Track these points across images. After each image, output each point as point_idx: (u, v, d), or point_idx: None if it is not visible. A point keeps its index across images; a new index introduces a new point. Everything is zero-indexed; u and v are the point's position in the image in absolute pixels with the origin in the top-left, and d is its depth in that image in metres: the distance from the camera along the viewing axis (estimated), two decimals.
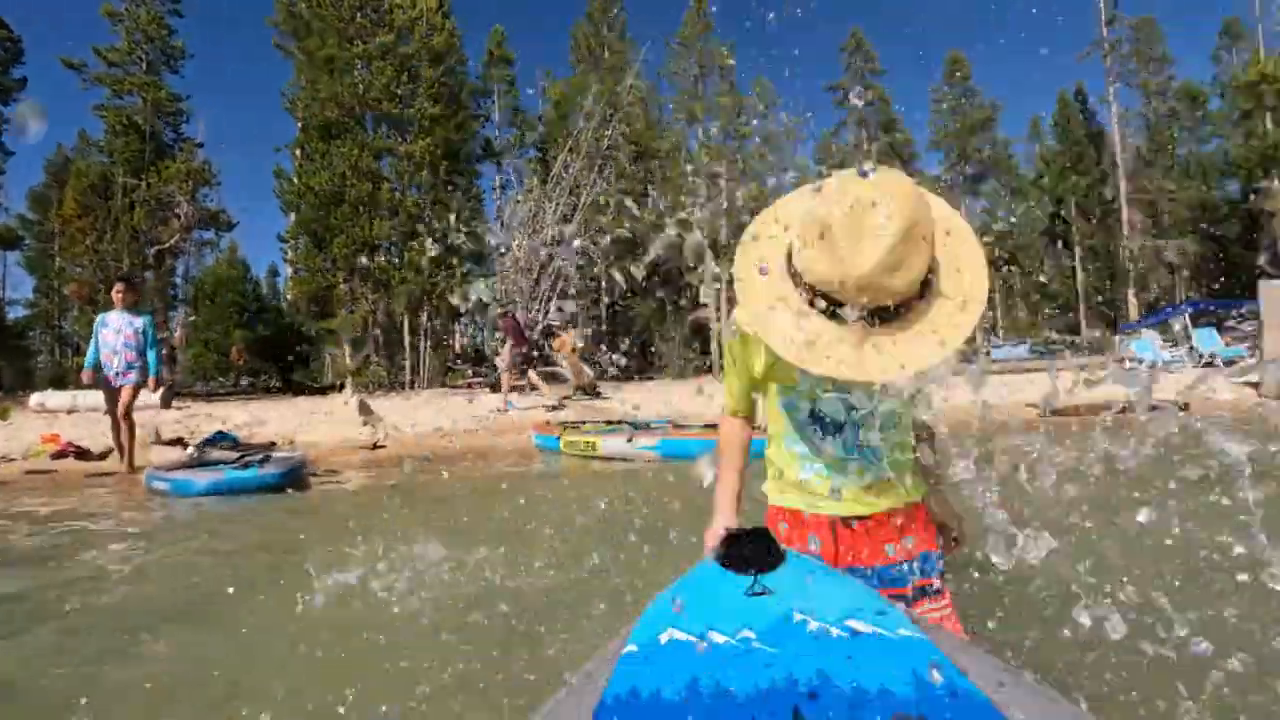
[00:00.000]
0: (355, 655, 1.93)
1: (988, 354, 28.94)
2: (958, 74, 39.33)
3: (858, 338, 1.09)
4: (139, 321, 6.24)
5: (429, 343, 19.04)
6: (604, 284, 19.53)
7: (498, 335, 12.00)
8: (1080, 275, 37.17)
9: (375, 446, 7.64)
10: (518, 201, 18.27)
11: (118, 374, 6.17)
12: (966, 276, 1.16)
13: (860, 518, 1.33)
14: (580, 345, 14.19)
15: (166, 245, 16.27)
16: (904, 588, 1.32)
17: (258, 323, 27.71)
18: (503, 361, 10.64)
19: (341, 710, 1.61)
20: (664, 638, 0.81)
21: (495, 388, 15.07)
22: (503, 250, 17.46)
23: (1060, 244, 38.90)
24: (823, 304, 1.11)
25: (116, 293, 6.22)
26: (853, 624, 0.80)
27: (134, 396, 6.23)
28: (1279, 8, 25.45)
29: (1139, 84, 34.34)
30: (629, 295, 19.69)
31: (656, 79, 28.27)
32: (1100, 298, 36.99)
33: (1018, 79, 73.28)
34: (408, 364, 17.70)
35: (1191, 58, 57.66)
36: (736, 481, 1.46)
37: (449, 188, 18.31)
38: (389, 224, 16.95)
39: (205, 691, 1.82)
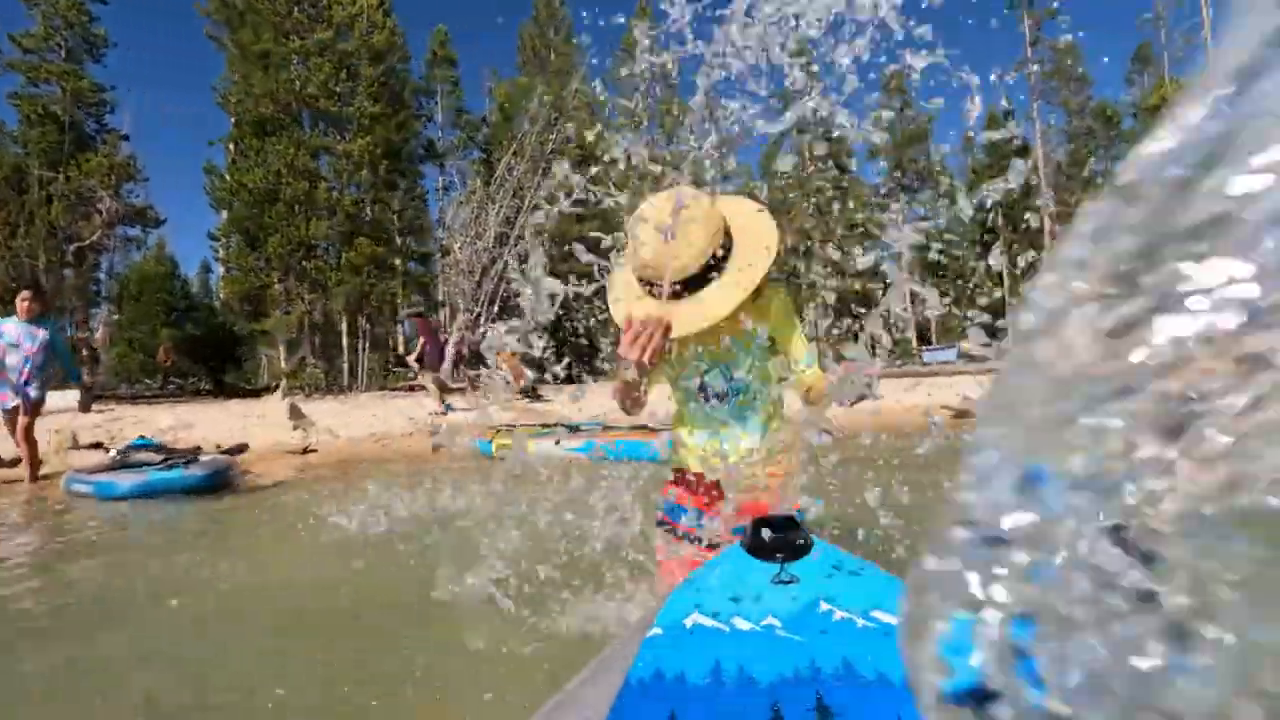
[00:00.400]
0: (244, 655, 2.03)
1: (919, 357, 30.20)
2: (894, 87, 40.89)
3: (667, 304, 1.52)
4: (41, 334, 5.85)
5: (368, 345, 18.73)
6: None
7: (406, 336, 11.76)
8: (1007, 282, 39.12)
9: (306, 451, 7.60)
10: (460, 203, 18.19)
11: (15, 391, 5.77)
12: (750, 248, 1.60)
13: (729, 480, 1.64)
14: (519, 349, 14.22)
15: (87, 242, 15.56)
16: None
17: (187, 322, 26.64)
18: (416, 362, 10.51)
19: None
20: (689, 622, 0.81)
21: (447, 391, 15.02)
22: (444, 253, 17.36)
23: (989, 252, 40.85)
24: (648, 288, 1.59)
25: (21, 301, 5.83)
26: (878, 614, 0.80)
27: (34, 418, 5.89)
28: (1181, 35, 27.39)
29: (1060, 102, 36.44)
30: (574, 297, 19.76)
31: (605, 85, 28.53)
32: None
33: (953, 93, 76.35)
34: (346, 366, 17.39)
35: (1110, 78, 61.21)
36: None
37: (390, 188, 18.05)
38: (327, 224, 16.64)
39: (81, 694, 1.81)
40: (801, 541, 0.98)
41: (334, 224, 16.77)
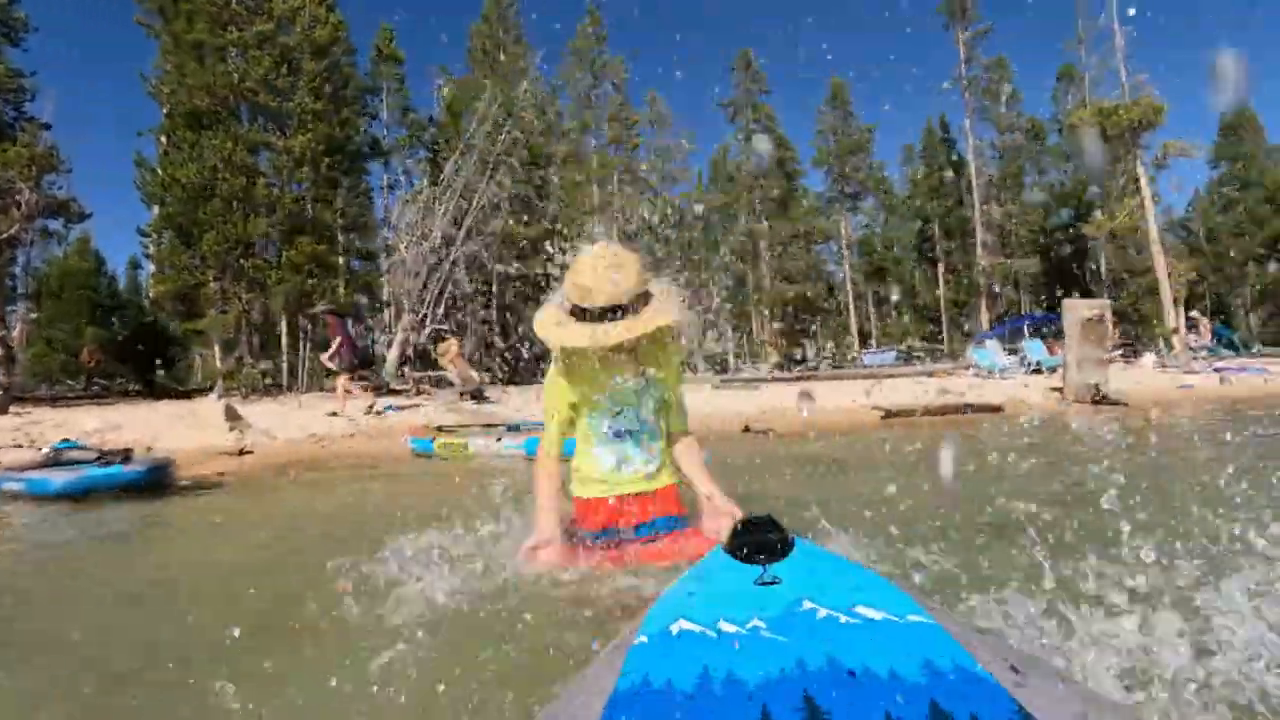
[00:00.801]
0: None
1: (857, 360, 31.23)
2: (838, 99, 42.17)
3: (591, 327, 1.89)
4: None
5: (310, 345, 18.35)
6: (495, 287, 19.54)
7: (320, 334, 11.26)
8: (943, 288, 40.80)
9: (242, 453, 7.51)
10: (406, 202, 17.99)
11: None
12: (662, 303, 1.94)
13: (636, 494, 2.05)
14: (464, 350, 14.22)
15: (4, 236, 14.78)
16: (654, 534, 2.03)
17: (114, 321, 25.44)
18: (332, 363, 10.22)
19: None
20: (674, 628, 0.81)
21: (377, 391, 14.84)
22: (389, 252, 17.13)
23: (927, 259, 42.56)
24: (576, 314, 1.93)
25: None
26: (862, 610, 0.80)
27: None
28: (1098, 61, 29.11)
29: (992, 118, 38.21)
30: (525, 299, 19.82)
31: (554, 87, 28.58)
32: (960, 309, 40.71)
33: (895, 105, 79.31)
34: (285, 367, 16.97)
35: (1039, 95, 64.45)
36: (557, 503, 2.06)
37: (333, 186, 17.73)
38: (266, 221, 16.23)
39: None
40: (782, 542, 0.98)
41: (274, 221, 16.37)
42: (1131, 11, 27.53)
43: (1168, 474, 4.16)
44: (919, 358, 29.20)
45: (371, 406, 10.31)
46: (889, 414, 9.72)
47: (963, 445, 6.25)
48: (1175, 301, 24.95)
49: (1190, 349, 19.68)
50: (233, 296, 16.20)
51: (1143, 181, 24.73)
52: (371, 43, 26.60)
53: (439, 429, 8.12)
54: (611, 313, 1.87)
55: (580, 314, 1.91)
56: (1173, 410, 9.99)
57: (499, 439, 6.47)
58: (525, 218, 19.32)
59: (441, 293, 16.81)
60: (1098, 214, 29.71)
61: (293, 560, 2.92)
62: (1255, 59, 59.52)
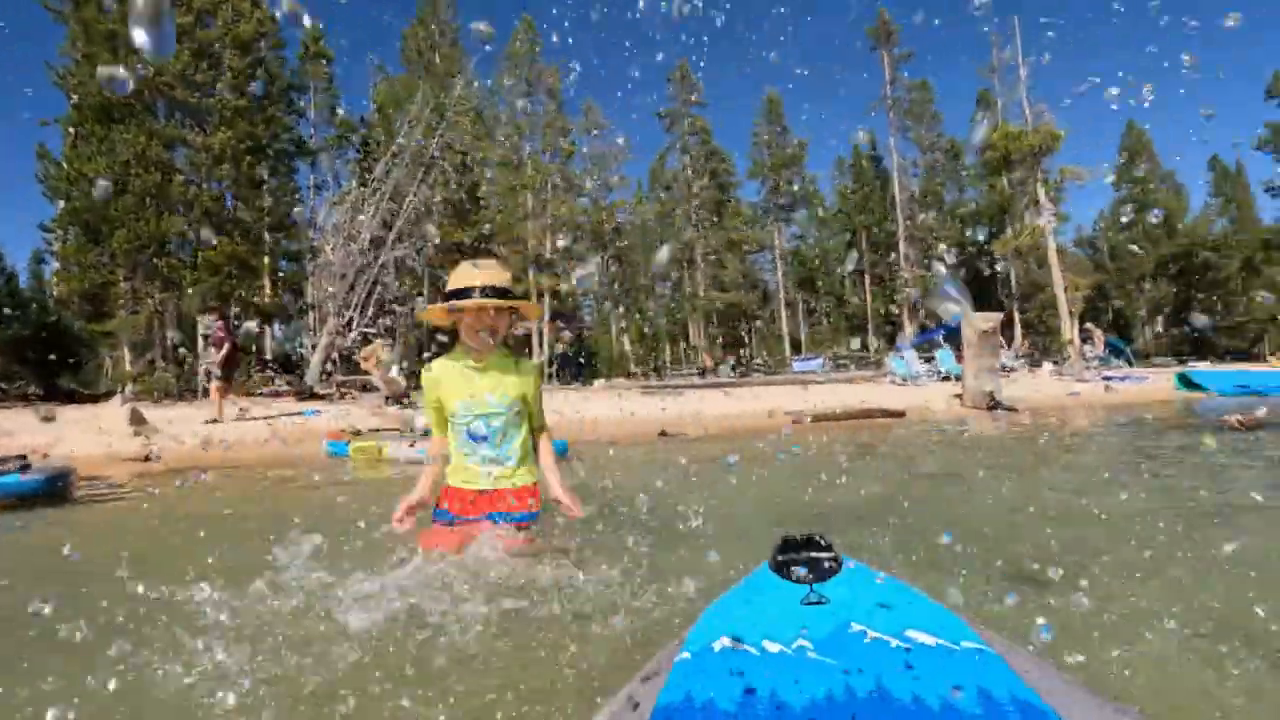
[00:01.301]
0: None
1: (789, 367, 32.26)
2: (773, 113, 43.51)
3: (465, 301, 2.27)
4: None
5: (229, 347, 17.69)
6: (425, 293, 19.36)
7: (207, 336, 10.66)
8: (870, 298, 42.56)
9: (147, 459, 7.34)
10: (334, 204, 17.65)
11: None
12: (528, 310, 2.37)
13: (494, 489, 2.37)
14: (392, 354, 14.09)
15: None
16: (511, 523, 2.33)
17: (13, 321, 23.82)
18: (215, 366, 9.87)
19: None
20: (718, 645, 0.79)
21: (301, 395, 14.54)
22: (315, 254, 16.76)
23: (855, 270, 44.28)
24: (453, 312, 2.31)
25: None
26: (913, 634, 0.78)
27: None
28: (1006, 90, 31.04)
29: (915, 137, 40.22)
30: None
31: (490, 92, 28.49)
32: (886, 318, 42.53)
33: (829, 120, 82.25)
34: (201, 370, 16.39)
35: (962, 117, 67.98)
36: (436, 474, 2.45)
37: (255, 185, 17.23)
38: (182, 220, 15.66)
39: None
40: (831, 561, 0.97)
41: (191, 220, 15.82)
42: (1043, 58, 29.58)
43: (995, 463, 4.69)
44: (845, 365, 30.38)
45: (243, 412, 9.96)
46: (799, 418, 10.25)
47: (853, 445, 6.73)
48: (1071, 314, 26.89)
49: (1085, 359, 21.24)
50: (144, 297, 15.55)
51: (1042, 202, 26.65)
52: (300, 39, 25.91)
53: (355, 433, 8.13)
54: (490, 292, 2.26)
55: (459, 294, 2.28)
56: (1056, 414, 10.89)
57: (413, 444, 6.57)
58: (459, 223, 19.21)
59: (369, 296, 16.57)
60: (1009, 232, 31.71)
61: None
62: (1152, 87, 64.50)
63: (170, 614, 1.83)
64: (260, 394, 15.83)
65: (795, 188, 43.14)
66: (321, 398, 14.27)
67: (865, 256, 42.65)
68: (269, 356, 22.40)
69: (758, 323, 39.92)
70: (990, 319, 12.39)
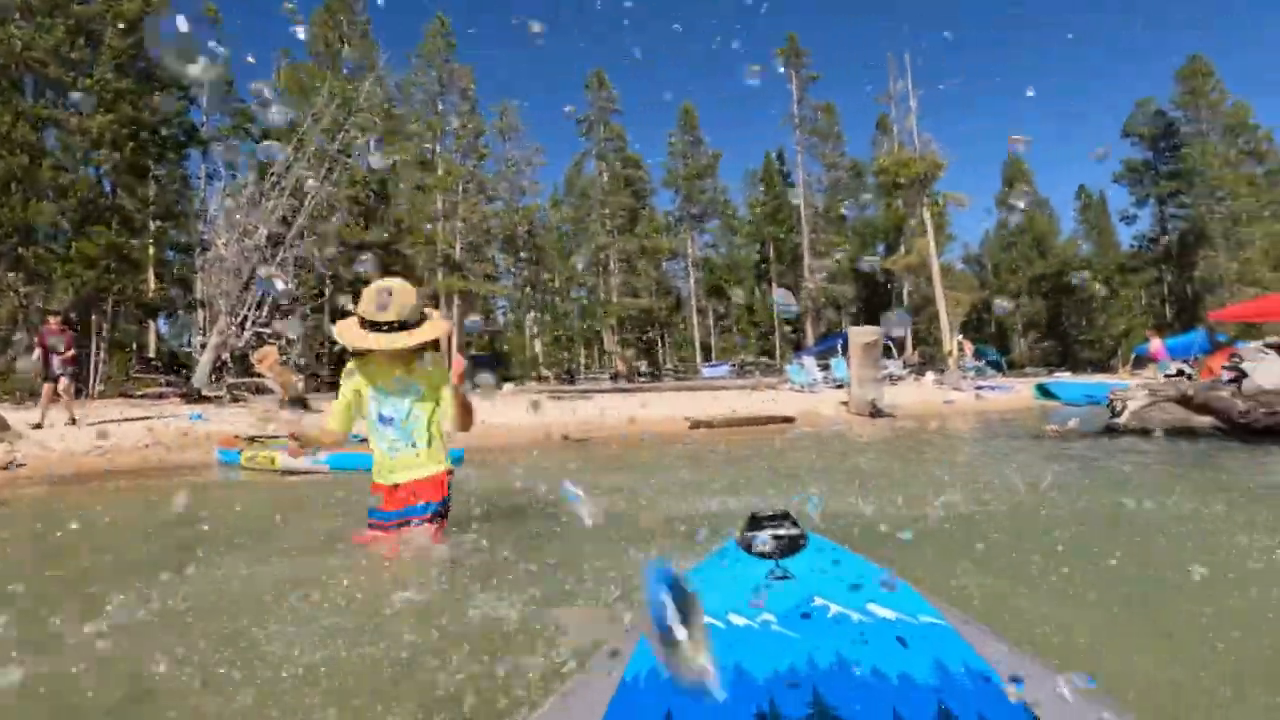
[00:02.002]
0: None
1: (699, 373, 33.22)
2: (688, 123, 44.63)
3: (380, 335, 2.44)
4: None
5: (106, 345, 16.60)
6: (328, 292, 18.75)
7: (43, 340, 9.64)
8: (778, 310, 44.35)
9: (7, 467, 6.90)
10: (227, 196, 16.80)
11: None
12: (434, 323, 2.55)
13: (407, 481, 2.60)
14: (288, 356, 13.61)
15: None
16: (420, 515, 2.58)
17: None
18: (57, 368, 9.13)
19: None
20: None
21: (187, 397, 13.79)
22: (205, 248, 15.88)
23: (764, 279, 46.05)
24: (367, 326, 2.46)
25: None
26: (874, 609, 0.80)
27: None
28: (904, 117, 33.22)
29: (820, 155, 42.34)
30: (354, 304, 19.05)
31: (400, 87, 27.81)
32: (790, 326, 44.43)
33: (742, 133, 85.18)
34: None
35: (863, 138, 72.06)
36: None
37: (138, 173, 16.17)
38: (54, 207, 14.51)
39: None
40: (795, 537, 0.99)
41: (64, 208, 14.69)
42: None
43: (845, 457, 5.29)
44: (750, 371, 31.56)
45: (73, 419, 9.31)
46: (696, 424, 10.78)
47: (741, 447, 7.26)
48: (952, 328, 29.19)
49: (961, 369, 23.09)
50: (9, 289, 14.30)
51: (927, 224, 28.84)
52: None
53: (250, 439, 7.93)
54: (399, 326, 2.44)
55: (373, 326, 2.46)
56: (928, 419, 11.95)
57: (312, 453, 6.51)
58: (366, 221, 18.72)
59: (265, 294, 15.88)
60: (901, 250, 34.03)
61: None
62: (1037, 119, 70.89)
63: None
64: (141, 396, 14.87)
65: (708, 197, 44.43)
66: (209, 400, 13.61)
67: (773, 266, 44.46)
68: (151, 355, 20.98)
69: (669, 329, 40.78)
70: (872, 332, 13.41)
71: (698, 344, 42.76)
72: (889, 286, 40.07)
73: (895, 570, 0.93)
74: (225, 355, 15.12)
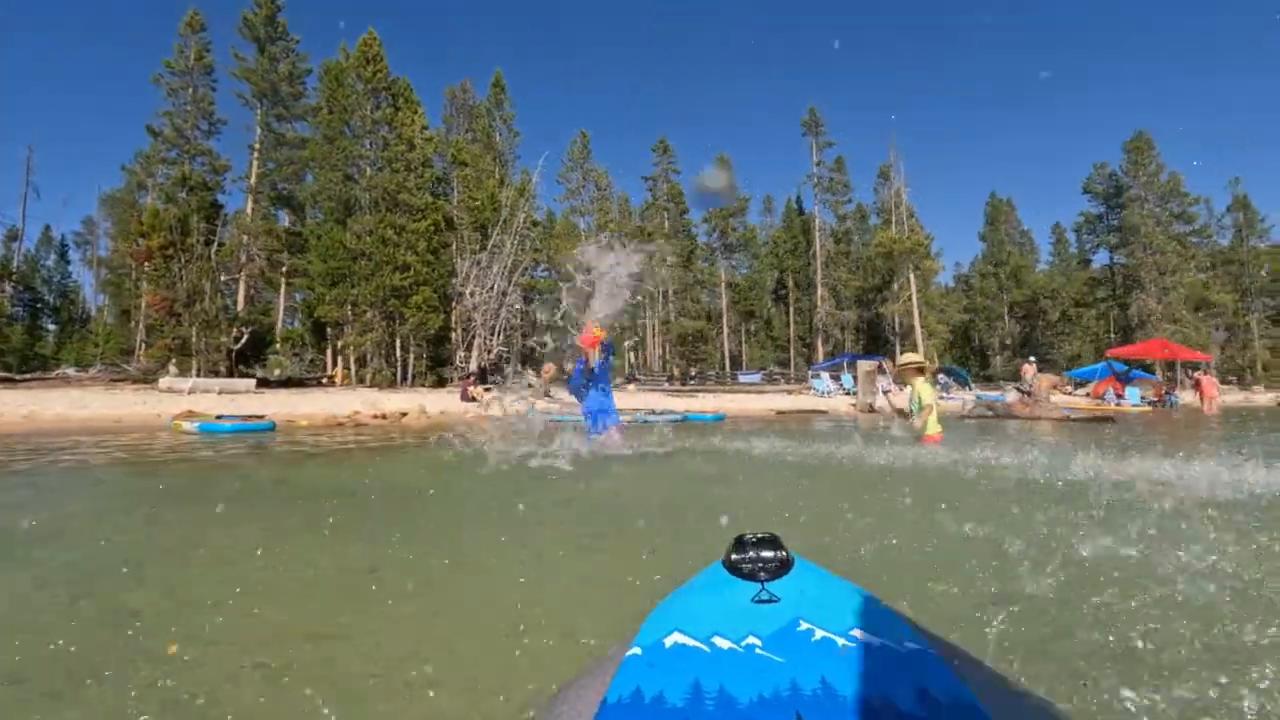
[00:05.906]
0: None
1: (737, 379, 43.41)
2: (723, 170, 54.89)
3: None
4: None
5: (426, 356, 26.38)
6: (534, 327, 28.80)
7: None
8: (793, 328, 54.71)
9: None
10: (475, 258, 26.70)
11: None
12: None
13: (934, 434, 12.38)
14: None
15: None
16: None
17: None
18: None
19: None
20: (668, 641, 0.81)
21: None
22: (459, 297, 25.80)
23: (782, 302, 56.51)
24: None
25: None
26: (858, 634, 0.80)
27: None
28: (891, 194, 43.50)
29: (831, 205, 52.65)
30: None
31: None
32: (803, 342, 54.73)
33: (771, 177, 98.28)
34: None
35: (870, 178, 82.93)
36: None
37: (437, 254, 26.07)
38: (399, 276, 24.42)
39: None
40: (782, 560, 0.99)
41: (405, 278, 24.60)
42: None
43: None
44: (778, 379, 41.74)
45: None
46: (780, 413, 20.82)
47: (802, 424, 17.24)
48: (928, 353, 39.48)
49: (937, 384, 33.28)
50: (377, 326, 24.31)
51: (911, 286, 39.13)
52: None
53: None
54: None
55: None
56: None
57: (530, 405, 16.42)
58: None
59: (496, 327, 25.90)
60: (897, 286, 44.40)
61: None
62: (1014, 156, 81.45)
63: None
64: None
65: (739, 233, 54.72)
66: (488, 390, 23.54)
67: (791, 293, 54.72)
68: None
69: (709, 343, 51.01)
70: (870, 364, 23.57)
71: (728, 354, 52.88)
72: (883, 316, 50.31)
73: (880, 595, 0.95)
74: (483, 364, 24.98)
